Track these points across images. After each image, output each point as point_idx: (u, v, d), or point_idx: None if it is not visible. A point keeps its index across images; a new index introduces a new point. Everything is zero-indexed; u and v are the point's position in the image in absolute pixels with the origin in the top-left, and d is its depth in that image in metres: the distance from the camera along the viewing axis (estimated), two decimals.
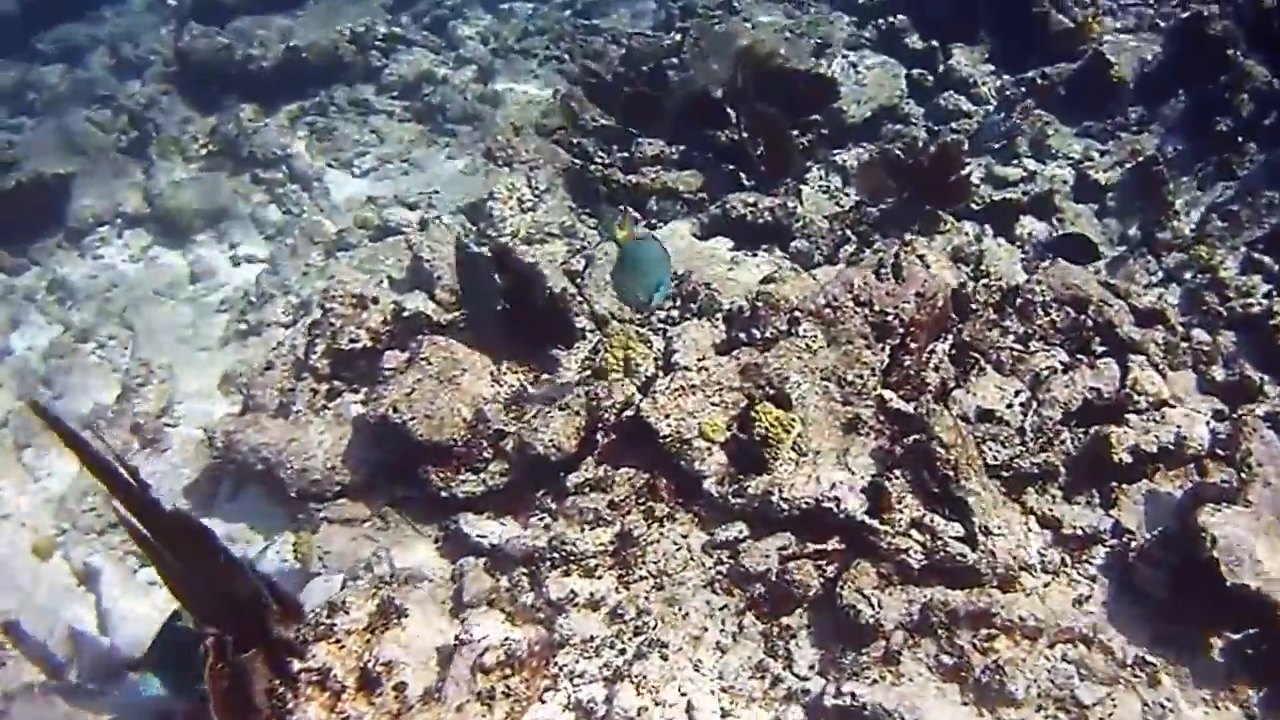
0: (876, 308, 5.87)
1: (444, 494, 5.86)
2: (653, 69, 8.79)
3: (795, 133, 8.22)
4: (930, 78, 9.02)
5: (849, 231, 7.54)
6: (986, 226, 7.63)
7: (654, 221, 7.78)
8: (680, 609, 5.07)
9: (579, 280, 7.20)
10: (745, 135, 7.82)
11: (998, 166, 8.08)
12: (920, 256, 6.44)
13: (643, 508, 5.50)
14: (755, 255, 7.42)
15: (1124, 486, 5.41)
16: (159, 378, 7.48)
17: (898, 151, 7.95)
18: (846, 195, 8.08)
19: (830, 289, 5.98)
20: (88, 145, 9.70)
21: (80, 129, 9.96)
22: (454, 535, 5.82)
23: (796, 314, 5.96)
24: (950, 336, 6.18)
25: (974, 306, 6.34)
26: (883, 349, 5.83)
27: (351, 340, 6.54)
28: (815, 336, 5.85)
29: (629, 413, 5.79)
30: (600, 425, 5.80)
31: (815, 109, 8.56)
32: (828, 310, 5.92)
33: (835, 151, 8.54)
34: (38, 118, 10.83)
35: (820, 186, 8.22)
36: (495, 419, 6.03)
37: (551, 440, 5.68)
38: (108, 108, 10.45)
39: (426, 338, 6.42)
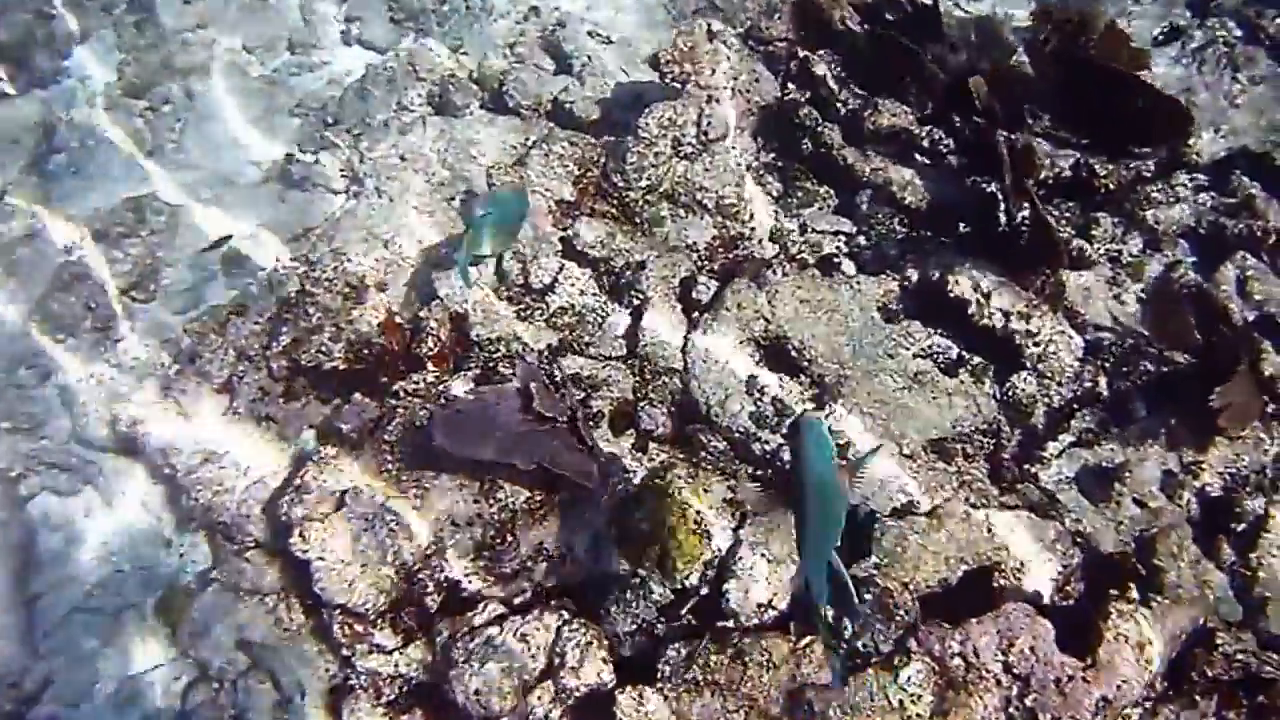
0: (1030, 699, 3.64)
1: (344, 652, 4.21)
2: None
3: (1103, 173, 5.34)
4: None
5: (1102, 382, 4.95)
6: None
7: (846, 244, 5.30)
8: None
9: (687, 334, 4.97)
10: (1008, 180, 5.02)
11: None
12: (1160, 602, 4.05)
13: None
14: (956, 375, 4.95)
15: None
16: (150, 228, 5.69)
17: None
18: (1138, 284, 5.26)
19: (977, 634, 3.73)
20: None
21: None
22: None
23: (914, 644, 3.78)
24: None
25: (1196, 679, 4.02)
26: None
27: (320, 352, 4.61)
28: (918, 695, 3.71)
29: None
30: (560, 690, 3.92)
31: (1152, 136, 5.59)
32: (957, 663, 3.72)
33: (1152, 194, 5.56)
34: None
35: (1106, 253, 5.36)
36: (455, 563, 4.23)
37: (476, 695, 3.86)
38: None
39: (406, 385, 4.49)
